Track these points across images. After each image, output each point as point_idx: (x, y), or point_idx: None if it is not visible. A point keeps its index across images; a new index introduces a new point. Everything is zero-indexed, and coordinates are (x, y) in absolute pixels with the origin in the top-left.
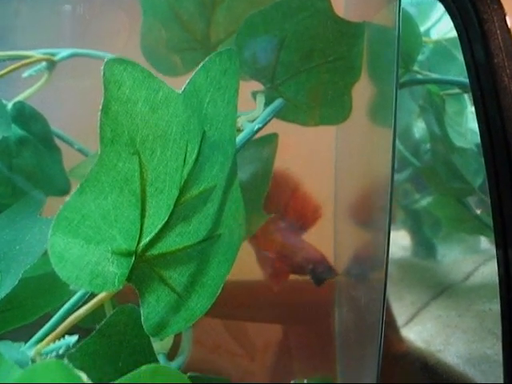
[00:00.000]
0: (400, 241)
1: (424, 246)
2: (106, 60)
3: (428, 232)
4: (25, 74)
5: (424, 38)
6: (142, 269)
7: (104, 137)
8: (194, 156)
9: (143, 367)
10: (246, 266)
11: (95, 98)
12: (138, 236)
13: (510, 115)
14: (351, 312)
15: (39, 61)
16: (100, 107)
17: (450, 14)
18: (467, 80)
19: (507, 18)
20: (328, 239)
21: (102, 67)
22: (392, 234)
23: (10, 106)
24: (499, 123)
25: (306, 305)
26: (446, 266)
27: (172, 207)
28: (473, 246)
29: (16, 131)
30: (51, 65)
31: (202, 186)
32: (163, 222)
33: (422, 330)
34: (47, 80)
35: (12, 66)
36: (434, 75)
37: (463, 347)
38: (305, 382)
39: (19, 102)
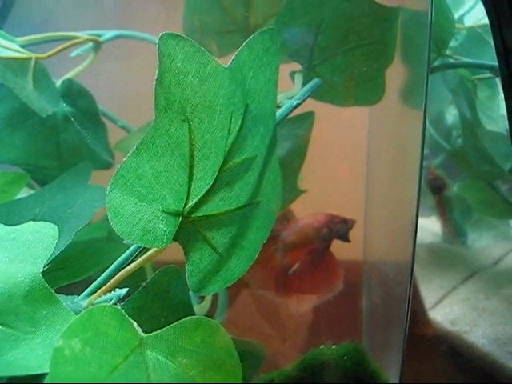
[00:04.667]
0: (431, 227)
1: (455, 231)
2: (160, 35)
3: (459, 217)
4: (73, 54)
5: (457, 25)
6: (188, 229)
7: (158, 104)
8: (237, 127)
9: (187, 318)
10: None
11: (138, 78)
12: (185, 198)
13: None
14: (379, 292)
15: (86, 41)
16: (142, 86)
17: (482, 0)
18: None
19: None
20: (358, 223)
21: (157, 41)
22: (423, 219)
23: (58, 83)
24: None
25: None
26: (476, 251)
27: (217, 173)
28: (503, 232)
29: (64, 107)
30: (97, 45)
31: (245, 154)
32: (208, 186)
33: (450, 313)
34: (93, 59)
35: (61, 46)
36: (466, 59)
37: (490, 329)
38: (333, 347)
39: (68, 80)
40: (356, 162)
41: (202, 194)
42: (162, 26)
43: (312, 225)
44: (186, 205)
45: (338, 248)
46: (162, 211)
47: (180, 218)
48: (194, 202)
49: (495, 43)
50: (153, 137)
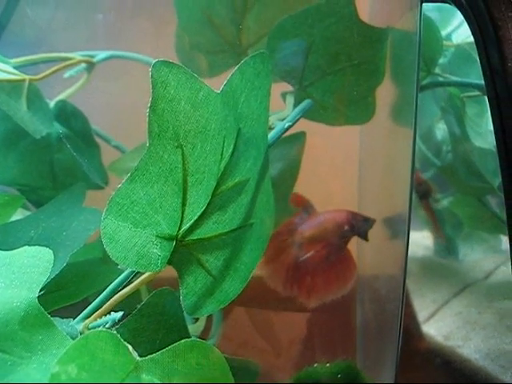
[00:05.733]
0: (423, 241)
1: (446, 245)
2: (153, 62)
3: (450, 231)
4: (66, 75)
5: (445, 42)
6: (182, 252)
7: (152, 131)
8: (230, 150)
9: (182, 341)
10: None
11: (130, 98)
12: (179, 222)
13: None
14: (372, 306)
15: (79, 62)
16: (135, 105)
17: (466, 20)
18: None
19: None
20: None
21: (150, 69)
22: (414, 233)
23: (52, 104)
24: None
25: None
26: (467, 265)
27: (210, 197)
28: (493, 245)
29: (58, 128)
30: (90, 66)
31: (237, 178)
32: (202, 210)
33: (443, 326)
34: (87, 80)
35: (55, 67)
36: (455, 78)
37: (482, 343)
38: (327, 365)
39: (61, 101)
40: (348, 177)
41: (195, 218)
42: (153, 42)
43: (333, 220)
44: (179, 229)
45: None
46: (157, 236)
47: (174, 242)
48: (187, 226)
49: (481, 62)
50: (146, 164)
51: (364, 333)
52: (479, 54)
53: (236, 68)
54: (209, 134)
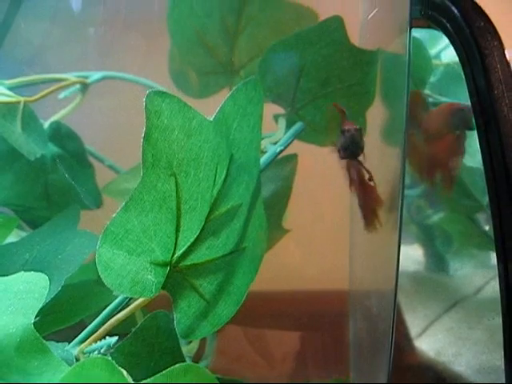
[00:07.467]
0: (413, 255)
1: (437, 260)
2: (147, 93)
3: (440, 246)
4: (60, 96)
5: (435, 61)
6: (176, 278)
7: (146, 161)
8: (222, 177)
9: (176, 365)
10: (267, 276)
11: (122, 117)
12: (173, 248)
13: (508, 141)
14: (364, 322)
15: (73, 83)
16: (128, 124)
17: (454, 47)
18: None
19: (506, 52)
20: (344, 254)
21: (144, 99)
22: (405, 247)
23: (46, 125)
24: (499, 148)
25: (321, 314)
26: (458, 280)
27: (203, 223)
28: (483, 261)
29: (52, 149)
30: (84, 87)
31: (230, 203)
32: (195, 236)
33: (435, 341)
34: (81, 101)
35: (50, 89)
36: (444, 99)
37: (474, 359)
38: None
39: (55, 122)
40: (340, 195)
41: (188, 244)
42: (145, 58)
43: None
44: (173, 255)
45: (325, 278)
46: (151, 263)
47: (168, 268)
48: (181, 251)
49: (468, 87)
50: (141, 193)
51: (357, 347)
52: (466, 80)
53: (228, 95)
54: (202, 162)
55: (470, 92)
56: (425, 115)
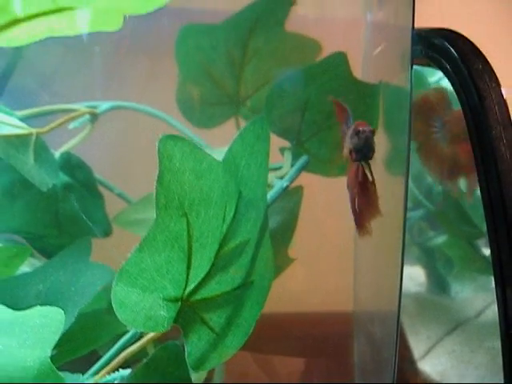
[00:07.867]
0: (416, 277)
1: (438, 282)
2: (160, 137)
3: (442, 269)
4: (70, 126)
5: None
6: (187, 312)
7: (159, 202)
8: (231, 214)
9: None
10: (273, 299)
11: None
12: (184, 285)
13: (506, 178)
14: (368, 345)
15: (83, 114)
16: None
17: (453, 88)
18: None
19: (503, 91)
20: (348, 277)
21: (157, 143)
22: (408, 270)
23: (57, 155)
24: (497, 185)
25: (326, 336)
26: (459, 303)
27: (213, 259)
28: (484, 284)
29: (63, 178)
30: (94, 117)
31: (238, 239)
32: (205, 272)
33: (437, 364)
34: (90, 131)
35: (61, 120)
36: None
37: (476, 382)
38: None
39: (66, 153)
40: (344, 220)
41: (199, 280)
42: (153, 86)
43: None
44: (184, 291)
45: (329, 300)
46: (163, 299)
47: (179, 304)
48: (192, 287)
49: (466, 122)
50: (154, 233)
51: (362, 369)
52: (466, 120)
53: (237, 134)
54: (212, 201)
55: (469, 132)
56: (448, 115)
